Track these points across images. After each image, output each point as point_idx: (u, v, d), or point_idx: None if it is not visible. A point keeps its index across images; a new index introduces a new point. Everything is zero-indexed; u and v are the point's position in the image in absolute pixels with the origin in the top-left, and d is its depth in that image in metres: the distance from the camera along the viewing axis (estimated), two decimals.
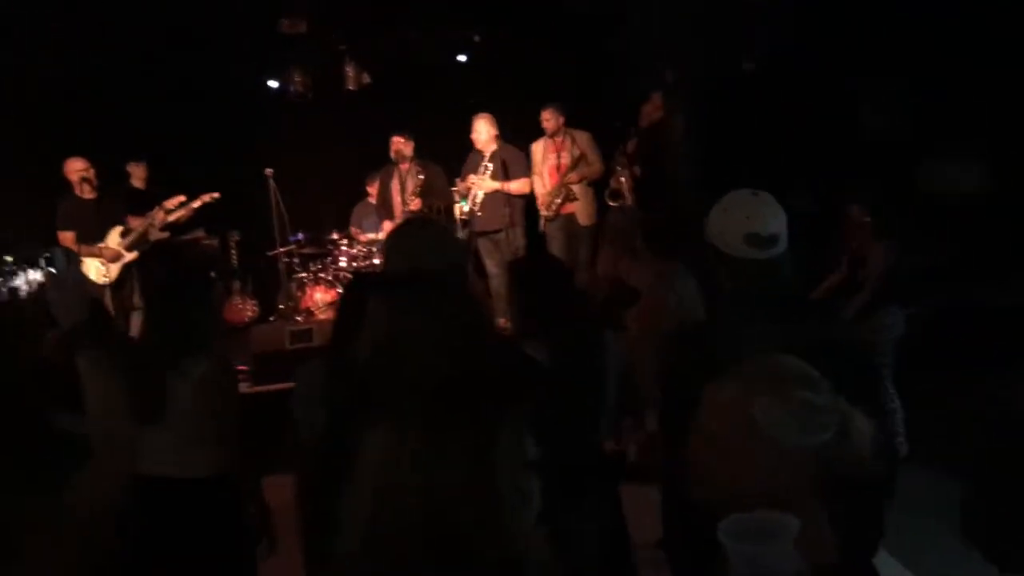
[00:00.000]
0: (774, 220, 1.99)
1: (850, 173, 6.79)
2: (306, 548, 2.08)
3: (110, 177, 7.26)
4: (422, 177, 7.11)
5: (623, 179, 7.13)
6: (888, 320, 4.81)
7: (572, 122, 7.28)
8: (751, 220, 1.98)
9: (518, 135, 7.40)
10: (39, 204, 7.18)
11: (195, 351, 2.78)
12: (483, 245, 7.19)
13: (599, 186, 7.36)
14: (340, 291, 7.31)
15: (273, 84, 8.83)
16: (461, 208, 7.14)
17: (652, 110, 7.12)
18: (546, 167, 7.30)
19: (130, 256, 6.96)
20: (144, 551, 2.74)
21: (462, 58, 8.87)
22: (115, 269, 6.90)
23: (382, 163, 7.39)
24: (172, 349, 2.75)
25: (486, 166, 7.05)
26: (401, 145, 7.18)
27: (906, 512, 2.30)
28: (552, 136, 7.26)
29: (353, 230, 7.66)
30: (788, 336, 1.81)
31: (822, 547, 1.32)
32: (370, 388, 1.76)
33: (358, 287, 2.77)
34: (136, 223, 7.11)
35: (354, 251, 7.49)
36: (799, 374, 1.42)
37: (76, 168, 6.81)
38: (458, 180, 7.27)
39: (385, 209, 7.31)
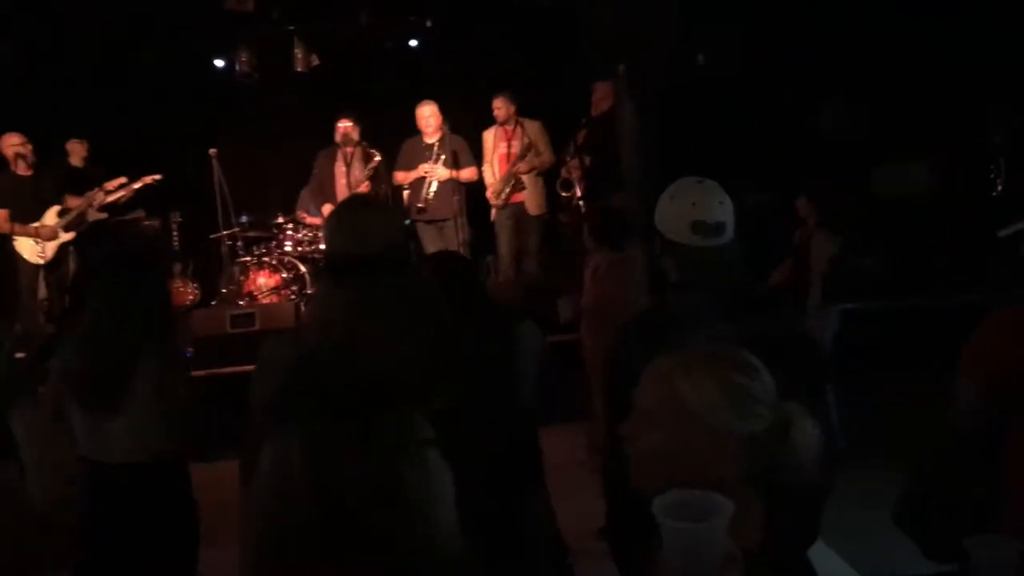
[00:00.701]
0: (720, 208, 2.00)
1: (802, 168, 6.88)
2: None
3: (48, 155, 7.05)
4: (378, 159, 7.03)
5: (573, 169, 7.14)
6: (825, 315, 4.88)
7: (524, 111, 7.26)
8: (697, 207, 1.98)
9: (467, 124, 7.36)
10: None
11: (154, 336, 2.74)
12: (427, 232, 7.13)
13: (550, 176, 7.37)
14: (284, 276, 7.22)
15: (219, 63, 8.65)
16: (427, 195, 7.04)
17: (600, 99, 7.13)
18: (496, 156, 7.28)
19: (67, 236, 6.78)
20: (100, 536, 2.73)
21: (413, 43, 8.78)
22: (51, 248, 6.72)
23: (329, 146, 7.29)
24: (131, 336, 2.71)
25: (438, 154, 6.99)
26: (348, 129, 7.08)
27: (843, 504, 2.33)
28: (503, 124, 7.23)
29: (299, 213, 7.55)
30: (736, 326, 1.81)
31: (751, 534, 1.32)
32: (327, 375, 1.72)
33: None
34: (74, 202, 6.93)
35: (299, 235, 7.38)
36: (739, 360, 1.42)
37: (11, 143, 6.61)
38: (395, 172, 7.20)
39: (324, 193, 7.21)
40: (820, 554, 2.33)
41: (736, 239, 2.00)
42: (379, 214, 2.06)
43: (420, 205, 6.99)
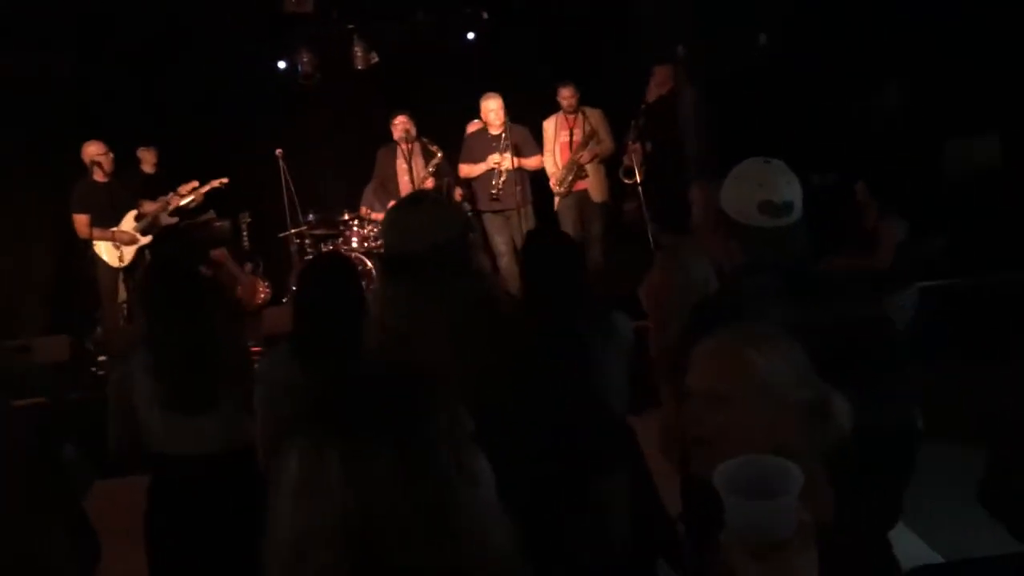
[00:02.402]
0: (788, 188, 1.97)
1: (866, 149, 6.71)
2: None
3: (121, 162, 7.27)
4: (440, 156, 7.09)
5: (634, 155, 7.09)
6: (900, 299, 4.75)
7: (583, 99, 7.23)
8: (764, 188, 1.95)
9: (527, 113, 7.36)
10: (57, 190, 7.22)
11: (223, 337, 2.82)
12: (492, 222, 7.16)
13: (612, 163, 7.33)
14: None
15: (282, 65, 8.80)
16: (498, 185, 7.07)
17: (658, 84, 7.06)
18: (558, 144, 7.28)
19: (144, 240, 6.98)
20: (177, 526, 2.81)
21: (470, 36, 8.80)
22: (129, 253, 6.92)
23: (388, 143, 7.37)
24: (203, 339, 2.78)
25: (505, 145, 7.01)
26: (407, 124, 7.15)
27: (923, 485, 2.28)
28: (566, 113, 7.21)
29: (364, 210, 7.65)
30: (806, 308, 1.79)
31: (823, 508, 1.30)
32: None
33: (320, 272, 2.78)
34: (149, 207, 7.13)
35: (365, 231, 7.47)
36: (782, 332, 1.42)
37: (92, 152, 6.81)
38: (461, 164, 7.24)
39: (387, 189, 7.29)
40: (900, 536, 2.29)
41: (804, 219, 1.97)
42: (431, 212, 2.05)
43: (493, 192, 7.01)
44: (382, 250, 6.96)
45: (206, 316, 2.83)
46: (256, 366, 2.72)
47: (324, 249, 7.54)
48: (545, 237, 2.96)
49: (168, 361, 2.79)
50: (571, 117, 7.21)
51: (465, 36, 8.79)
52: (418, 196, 3.79)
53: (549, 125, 7.33)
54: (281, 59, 8.77)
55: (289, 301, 7.18)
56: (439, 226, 1.99)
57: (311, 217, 7.75)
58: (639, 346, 2.63)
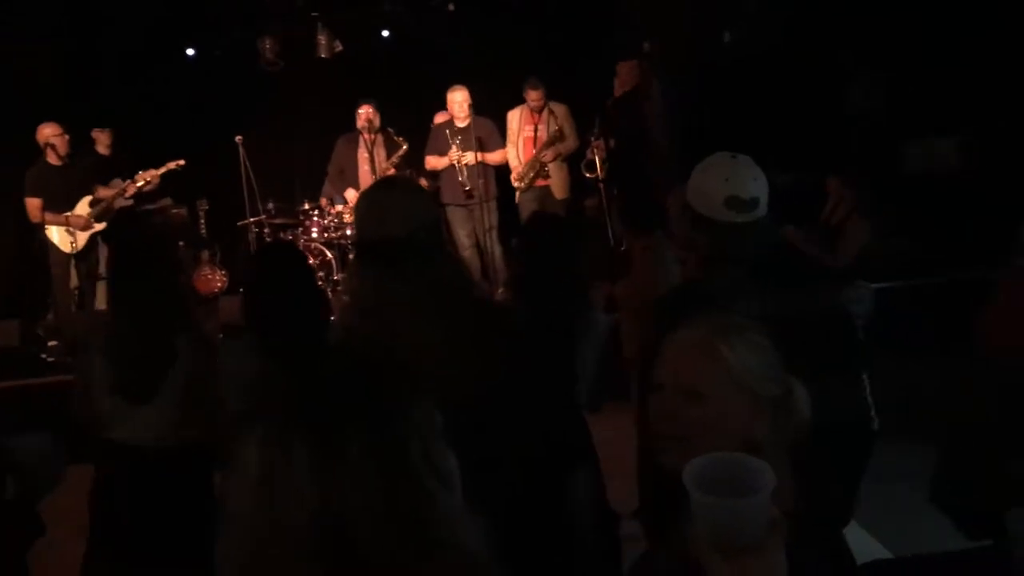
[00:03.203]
0: (754, 183, 1.98)
1: (831, 149, 6.79)
2: None
3: (76, 144, 7.12)
4: (405, 148, 7.06)
5: (597, 150, 7.11)
6: (858, 295, 4.81)
7: (550, 93, 7.23)
8: (731, 183, 1.96)
9: (491, 105, 7.34)
10: (10, 173, 7.04)
11: (179, 326, 2.78)
12: (455, 215, 7.14)
13: (574, 158, 7.34)
14: (310, 262, 7.23)
15: (190, 52, 8.66)
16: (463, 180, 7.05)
17: (623, 80, 7.08)
18: (521, 138, 7.27)
19: (99, 226, 6.84)
20: (126, 518, 2.76)
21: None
22: (82, 238, 6.78)
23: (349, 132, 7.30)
24: (158, 326, 2.75)
25: (469, 138, 6.98)
26: (370, 114, 7.10)
27: (875, 483, 2.31)
28: (532, 111, 7.21)
29: (323, 200, 7.57)
30: (769, 301, 1.80)
31: (785, 499, 1.31)
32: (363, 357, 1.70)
33: (274, 260, 2.75)
34: (105, 192, 6.98)
35: (325, 221, 7.40)
36: (754, 327, 1.42)
37: (47, 133, 6.65)
38: (427, 156, 7.20)
39: (344, 179, 7.25)
40: (851, 531, 2.32)
41: (769, 215, 1.99)
42: (407, 196, 2.04)
43: (468, 189, 6.99)
44: (343, 240, 7.02)
45: (164, 303, 2.79)
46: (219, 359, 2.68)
47: (282, 238, 7.46)
48: (547, 224, 2.96)
49: (121, 346, 2.76)
50: (537, 114, 7.22)
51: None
52: (391, 180, 3.77)
53: (513, 117, 7.31)
54: (191, 47, 8.62)
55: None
56: (414, 210, 1.97)
57: (270, 206, 7.65)
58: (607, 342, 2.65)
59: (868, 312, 4.85)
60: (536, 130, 7.22)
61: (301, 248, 7.28)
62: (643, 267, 3.34)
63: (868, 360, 2.31)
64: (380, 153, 7.13)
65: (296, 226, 7.51)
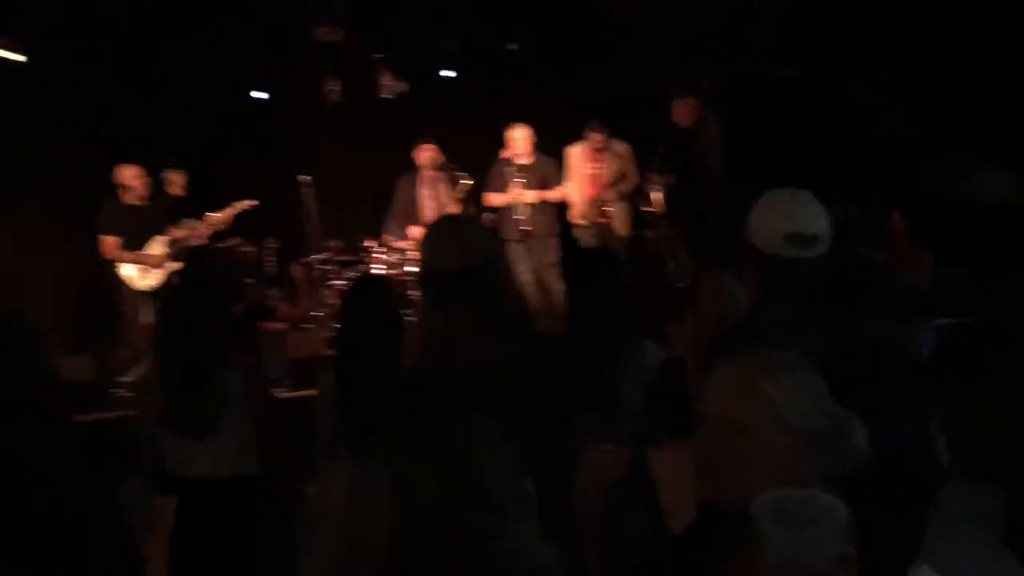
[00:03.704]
0: (815, 220, 1.97)
1: (886, 181, 6.68)
2: None
3: (152, 185, 7.38)
4: (470, 183, 7.14)
5: (656, 185, 7.11)
6: (921, 331, 4.70)
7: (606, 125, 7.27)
8: (791, 219, 1.96)
9: (550, 143, 7.41)
10: (85, 210, 7.33)
11: (229, 362, 2.84)
12: (516, 251, 7.19)
13: (634, 195, 7.36)
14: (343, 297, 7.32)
15: (260, 95, 8.91)
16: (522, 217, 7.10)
17: (680, 115, 7.08)
18: (581, 174, 7.31)
19: (173, 265, 7.05)
20: (191, 548, 2.82)
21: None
22: (156, 276, 6.98)
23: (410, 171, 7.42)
24: (207, 362, 2.81)
25: (530, 177, 7.04)
26: (434, 152, 7.22)
27: (944, 523, 2.25)
28: (595, 150, 7.25)
29: (386, 237, 7.70)
30: (828, 338, 1.79)
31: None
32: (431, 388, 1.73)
33: (364, 294, 2.81)
34: (179, 233, 7.20)
35: (386, 258, 7.51)
36: (800, 360, 1.41)
37: (127, 175, 6.90)
38: (486, 193, 7.28)
39: (407, 216, 7.36)
40: (920, 574, 2.25)
41: (830, 251, 1.97)
42: (472, 230, 2.08)
43: (524, 228, 7.04)
44: (405, 277, 7.11)
45: (213, 339, 2.86)
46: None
47: (347, 275, 7.60)
48: (596, 259, 3.01)
49: (172, 383, 2.83)
50: (598, 153, 7.26)
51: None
52: (457, 216, 3.83)
53: (574, 153, 7.35)
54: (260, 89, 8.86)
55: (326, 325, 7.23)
56: (479, 244, 2.01)
57: (334, 244, 7.81)
58: (665, 377, 2.65)
59: (933, 347, 4.75)
60: (597, 169, 7.26)
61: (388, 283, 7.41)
62: (707, 302, 3.33)
63: (934, 396, 2.26)
64: (443, 190, 7.24)
65: (358, 263, 7.64)
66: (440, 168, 7.27)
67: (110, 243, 6.86)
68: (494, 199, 7.25)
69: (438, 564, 1.00)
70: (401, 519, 1.00)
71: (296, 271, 7.88)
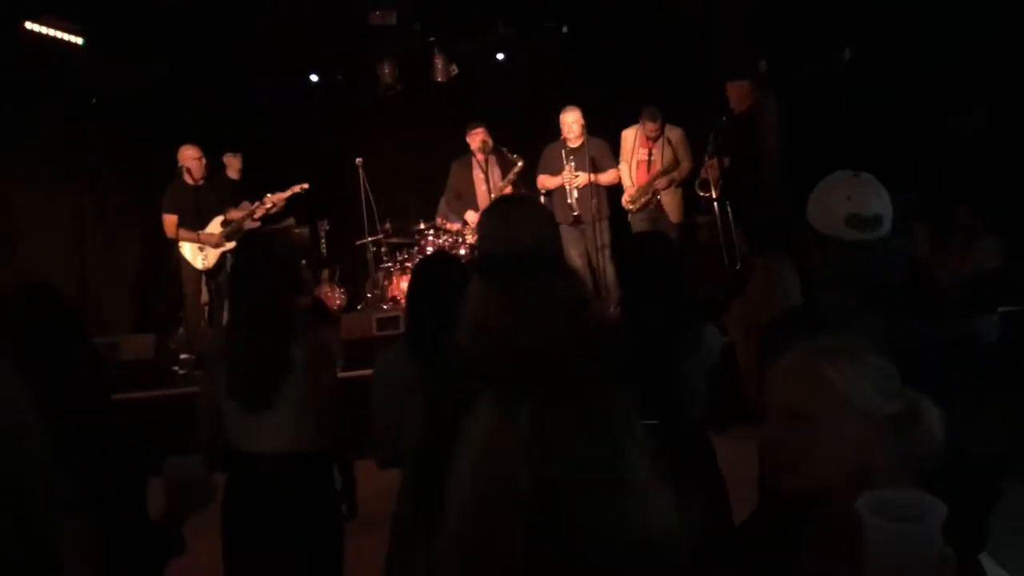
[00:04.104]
0: (877, 201, 1.93)
1: (949, 172, 6.52)
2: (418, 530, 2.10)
3: (209, 167, 7.52)
4: (521, 164, 7.16)
5: (711, 170, 7.03)
6: (984, 323, 4.60)
7: (662, 109, 7.20)
8: (852, 200, 1.92)
9: (605, 125, 7.37)
10: (146, 192, 7.50)
11: (300, 337, 2.87)
12: (567, 235, 7.16)
13: (688, 179, 7.29)
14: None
15: (314, 78, 8.99)
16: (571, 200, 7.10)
17: (735, 99, 6.98)
18: (635, 160, 7.28)
19: (229, 245, 7.18)
20: (244, 521, 2.88)
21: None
22: (213, 256, 7.13)
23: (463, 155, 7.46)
24: (272, 338, 2.85)
25: (580, 159, 7.02)
26: (484, 136, 7.23)
27: (1011, 519, 2.21)
28: (649, 138, 7.21)
29: (439, 220, 7.74)
30: (891, 324, 1.75)
31: None
32: (471, 371, 1.76)
33: (429, 272, 2.82)
34: (235, 214, 7.34)
35: (440, 240, 7.56)
36: (866, 345, 1.40)
37: (189, 156, 7.05)
38: (539, 176, 7.27)
39: (462, 200, 7.39)
40: (985, 565, 2.21)
41: (894, 233, 1.93)
42: (530, 213, 2.06)
43: (576, 214, 7.03)
44: (460, 257, 7.14)
45: (278, 316, 2.89)
46: (373, 369, 2.78)
47: (400, 258, 7.67)
48: (651, 243, 2.99)
49: (238, 357, 2.88)
50: (652, 140, 7.21)
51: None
52: (515, 197, 3.82)
53: (628, 137, 7.31)
54: (314, 72, 8.96)
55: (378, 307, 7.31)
56: (537, 226, 1.99)
57: (387, 226, 7.88)
58: (725, 363, 2.63)
59: (998, 336, 4.63)
60: (651, 154, 7.22)
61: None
62: (759, 286, 3.29)
63: (1002, 387, 2.21)
64: (495, 173, 7.25)
65: (412, 245, 7.70)
66: (492, 151, 7.28)
67: (171, 221, 7.02)
68: (546, 182, 7.24)
69: (569, 504, 1.06)
70: (540, 456, 1.07)
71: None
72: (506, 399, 1.12)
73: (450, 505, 1.14)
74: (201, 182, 7.09)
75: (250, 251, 3.28)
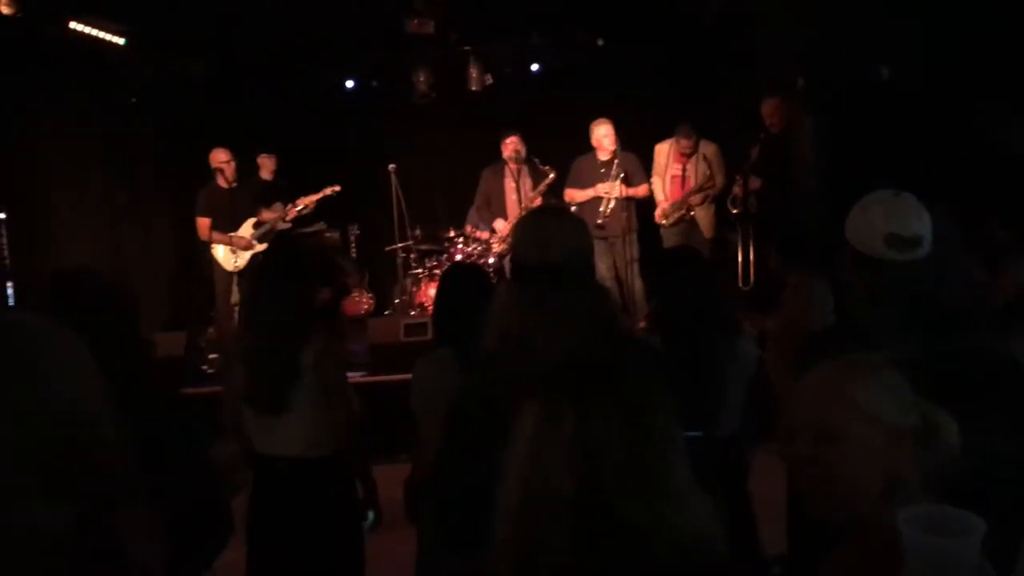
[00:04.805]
0: (917, 221, 1.91)
1: (989, 188, 6.44)
2: (441, 533, 2.11)
3: (242, 168, 7.59)
4: (553, 176, 7.17)
5: (745, 187, 7.01)
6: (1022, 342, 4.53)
7: (695, 125, 7.19)
8: (892, 220, 1.91)
9: (635, 138, 7.37)
10: (182, 193, 7.59)
11: (310, 341, 2.90)
12: (596, 247, 7.13)
13: (721, 194, 7.27)
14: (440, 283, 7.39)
15: (350, 84, 9.08)
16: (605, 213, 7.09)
17: (772, 116, 6.95)
18: (669, 174, 7.27)
19: (260, 247, 7.24)
20: (265, 523, 2.90)
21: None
22: (244, 257, 7.20)
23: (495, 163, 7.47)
24: (289, 341, 2.87)
25: (616, 173, 7.02)
26: (518, 145, 7.25)
27: None
28: (683, 154, 7.20)
29: (468, 228, 7.77)
30: (930, 344, 1.74)
31: None
32: (500, 377, 1.77)
33: (461, 278, 2.83)
34: (268, 216, 7.41)
35: (469, 249, 7.58)
36: (883, 361, 1.40)
37: (219, 159, 7.14)
38: (567, 189, 7.27)
39: (491, 209, 7.41)
40: None
41: (935, 254, 1.91)
42: (566, 224, 2.08)
43: (599, 222, 7.02)
44: (485, 267, 7.15)
45: (290, 319, 2.91)
46: (413, 374, 2.80)
47: (429, 264, 7.70)
48: (681, 258, 3.01)
49: (252, 360, 2.91)
50: (686, 156, 7.20)
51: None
52: (551, 207, 3.84)
53: (661, 151, 7.31)
54: (350, 78, 9.06)
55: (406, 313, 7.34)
56: (572, 237, 2.00)
57: (417, 232, 7.91)
58: (761, 375, 2.62)
59: None
60: (684, 170, 7.21)
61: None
62: (792, 304, 3.28)
63: None
64: (526, 183, 7.27)
65: (441, 252, 7.73)
66: (524, 161, 7.29)
67: (204, 224, 7.11)
68: (575, 195, 7.23)
69: (610, 502, 1.09)
70: (584, 456, 1.11)
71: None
72: (550, 407, 1.15)
73: (499, 512, 1.17)
74: (234, 184, 7.17)
75: (274, 255, 3.30)
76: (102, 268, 7.49)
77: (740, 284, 6.85)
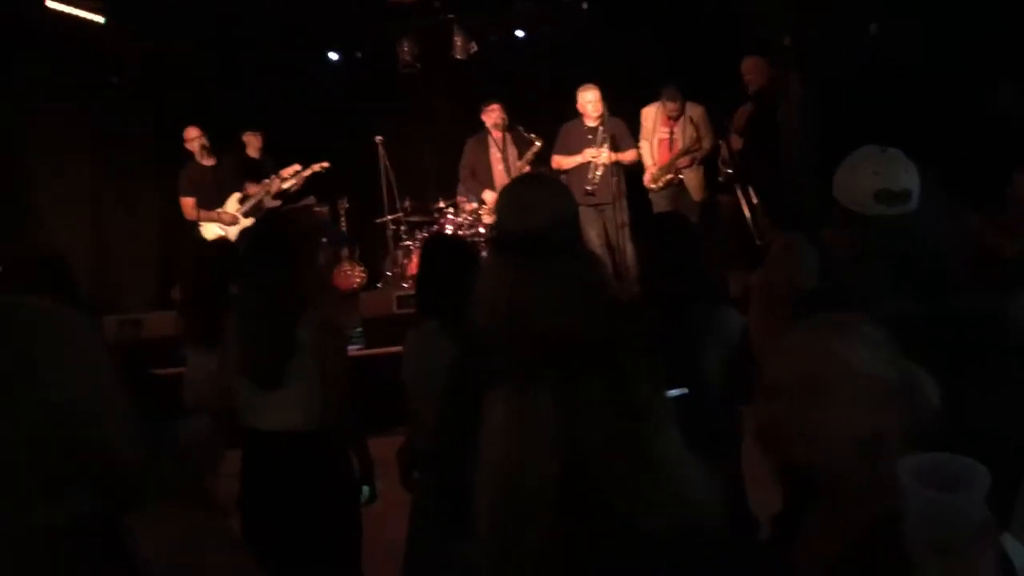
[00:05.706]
0: (906, 175, 1.90)
1: (978, 145, 6.41)
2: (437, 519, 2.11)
3: (228, 146, 7.53)
4: (539, 145, 7.11)
5: (732, 147, 6.98)
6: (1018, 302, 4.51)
7: (681, 88, 7.13)
8: (880, 175, 1.89)
9: (625, 103, 7.31)
10: (168, 171, 7.54)
11: (305, 315, 2.88)
12: (585, 215, 7.11)
13: (709, 157, 7.23)
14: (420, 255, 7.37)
15: (334, 57, 8.99)
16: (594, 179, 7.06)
17: (751, 76, 6.88)
18: (656, 139, 7.22)
19: (247, 221, 7.21)
20: (259, 499, 2.90)
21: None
22: (233, 233, 7.16)
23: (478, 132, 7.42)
24: (285, 315, 2.85)
25: (602, 139, 6.97)
26: (500, 112, 7.19)
27: None
28: (670, 117, 7.15)
29: (459, 198, 7.73)
30: (922, 302, 1.73)
31: None
32: (489, 352, 1.75)
33: (441, 250, 2.81)
34: (253, 190, 7.36)
35: (459, 219, 7.55)
36: (867, 320, 1.41)
37: (192, 136, 7.09)
38: (554, 156, 7.22)
39: (478, 179, 7.36)
40: (1008, 544, 2.20)
41: (925, 208, 1.90)
42: (549, 191, 2.05)
43: (588, 188, 6.97)
44: (477, 238, 7.13)
45: (286, 293, 2.89)
46: (404, 346, 2.79)
47: (420, 236, 7.67)
48: (670, 224, 3.00)
49: (247, 334, 2.89)
50: (673, 120, 7.16)
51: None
52: (535, 176, 3.83)
53: (648, 115, 7.25)
54: (333, 50, 8.97)
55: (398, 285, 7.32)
56: (557, 205, 1.98)
57: (407, 204, 7.87)
58: (745, 344, 2.61)
59: None
60: (672, 133, 7.16)
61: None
62: (776, 264, 3.27)
63: None
64: (512, 152, 7.22)
65: (431, 223, 7.69)
66: (508, 129, 7.24)
67: (188, 203, 7.07)
68: (563, 162, 7.19)
69: (596, 476, 1.06)
70: (565, 428, 1.07)
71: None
72: (525, 381, 1.11)
73: (481, 493, 1.13)
74: (214, 161, 7.12)
75: (264, 231, 3.27)
76: (85, 247, 7.52)
77: (757, 241, 6.80)
